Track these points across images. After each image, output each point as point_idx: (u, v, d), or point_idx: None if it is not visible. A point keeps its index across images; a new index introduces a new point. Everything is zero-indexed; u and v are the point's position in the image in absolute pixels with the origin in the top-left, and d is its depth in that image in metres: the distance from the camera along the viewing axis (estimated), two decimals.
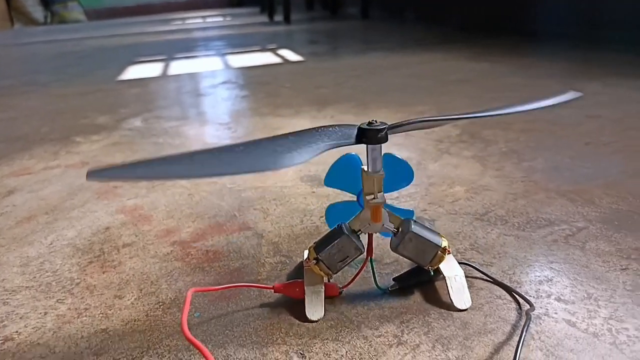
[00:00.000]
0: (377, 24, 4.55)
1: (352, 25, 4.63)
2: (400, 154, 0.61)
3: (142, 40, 4.69)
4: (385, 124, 0.54)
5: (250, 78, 2.24)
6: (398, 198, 0.85)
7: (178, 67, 2.72)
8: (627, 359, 0.47)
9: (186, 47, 3.79)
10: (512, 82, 1.72)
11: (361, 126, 0.54)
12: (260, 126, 1.38)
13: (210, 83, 2.15)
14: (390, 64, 2.30)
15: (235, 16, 7.61)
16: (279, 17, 5.96)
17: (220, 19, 7.36)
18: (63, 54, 3.86)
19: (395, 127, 0.53)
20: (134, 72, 2.63)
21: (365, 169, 0.57)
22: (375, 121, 0.54)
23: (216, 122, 1.46)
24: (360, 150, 0.55)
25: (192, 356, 0.51)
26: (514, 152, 1.04)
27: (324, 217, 0.65)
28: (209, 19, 7.70)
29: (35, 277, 0.68)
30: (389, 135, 0.53)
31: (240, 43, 3.75)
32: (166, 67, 2.73)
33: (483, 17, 3.32)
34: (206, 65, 2.69)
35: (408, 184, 0.62)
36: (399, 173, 0.61)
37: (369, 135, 0.53)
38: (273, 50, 3.13)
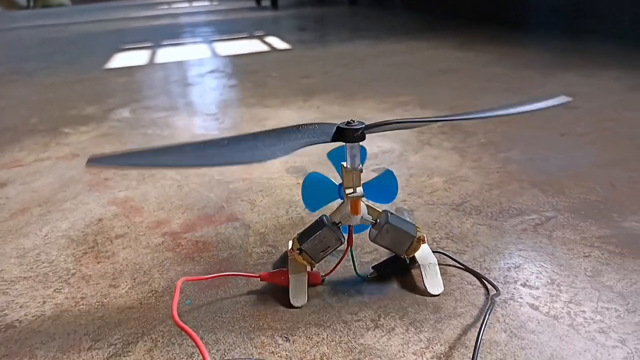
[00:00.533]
0: (364, 10, 4.56)
1: (340, 11, 4.63)
2: (383, 145, 0.64)
3: (128, 25, 4.66)
4: (363, 123, 0.58)
5: (237, 67, 2.25)
6: None
7: (165, 54, 2.72)
8: (582, 338, 0.52)
9: (173, 33, 3.78)
10: (495, 72, 1.76)
11: (340, 126, 0.58)
12: (247, 117, 1.41)
13: (198, 72, 2.17)
14: (377, 52, 2.33)
15: (222, 1, 7.55)
16: (266, 2, 5.93)
17: (206, 3, 7.30)
18: (48, 40, 3.83)
19: (373, 127, 0.56)
20: (120, 59, 2.63)
21: (345, 165, 0.60)
22: (354, 121, 0.58)
23: (204, 112, 1.49)
24: (323, 157, 0.59)
25: (184, 340, 0.55)
26: (492, 143, 1.08)
27: (301, 190, 0.67)
28: (195, 3, 7.62)
29: (32, 268, 0.72)
30: (366, 135, 0.57)
31: (228, 29, 3.75)
32: (153, 55, 2.73)
33: (470, 5, 3.34)
34: (193, 53, 2.69)
35: (387, 203, 0.67)
36: (387, 189, 0.66)
37: (347, 134, 0.57)
38: (260, 38, 3.14)
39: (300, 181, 0.94)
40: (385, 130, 0.57)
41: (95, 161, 0.48)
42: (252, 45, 2.85)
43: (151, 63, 2.48)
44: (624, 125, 1.15)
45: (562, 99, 0.68)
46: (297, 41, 2.89)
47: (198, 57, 2.57)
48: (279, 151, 0.53)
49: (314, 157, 1.04)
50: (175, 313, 0.49)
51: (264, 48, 2.73)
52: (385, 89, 1.62)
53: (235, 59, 2.44)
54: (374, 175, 0.67)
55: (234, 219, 0.82)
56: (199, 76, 2.07)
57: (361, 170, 0.59)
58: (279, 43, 2.87)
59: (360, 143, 0.58)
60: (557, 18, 2.66)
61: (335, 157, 0.65)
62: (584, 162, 0.95)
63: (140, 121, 1.43)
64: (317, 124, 0.58)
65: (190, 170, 1.03)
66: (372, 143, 1.10)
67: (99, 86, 1.98)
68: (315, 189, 0.66)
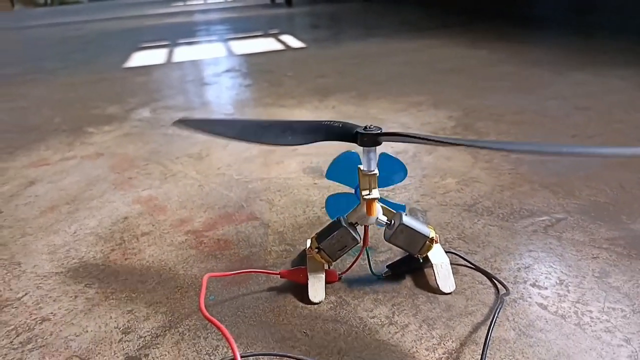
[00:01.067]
0: (377, 7, 4.57)
1: (353, 8, 4.64)
2: (397, 145, 0.67)
3: (144, 23, 4.72)
4: (380, 129, 0.61)
5: (253, 66, 2.29)
6: (394, 189, 0.92)
7: (181, 53, 2.77)
8: (588, 337, 0.54)
9: (188, 31, 3.83)
10: (505, 71, 1.77)
11: (358, 130, 0.61)
12: (264, 116, 1.44)
13: (214, 71, 2.20)
14: (389, 51, 2.35)
15: None
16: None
17: (221, 0, 7.34)
18: (66, 38, 3.90)
19: (388, 135, 0.59)
20: (138, 58, 2.68)
21: (362, 167, 0.63)
22: (371, 126, 0.60)
23: (221, 112, 1.52)
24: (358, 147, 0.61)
25: (209, 334, 0.58)
26: None
27: (324, 207, 0.73)
28: (209, 0, 7.67)
29: (63, 264, 0.76)
30: (382, 140, 0.60)
31: (242, 27, 3.78)
32: (170, 54, 2.78)
33: (480, 0, 3.34)
34: (209, 52, 2.73)
35: (402, 179, 0.69)
36: (393, 170, 0.68)
37: (364, 139, 0.59)
38: (275, 36, 3.17)
39: (317, 181, 0.98)
40: (399, 141, 0.59)
41: (180, 124, 0.67)
42: (267, 44, 2.88)
43: (168, 62, 2.52)
44: (633, 126, 1.16)
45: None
46: (312, 39, 2.92)
47: (214, 55, 2.61)
48: (303, 138, 0.62)
49: (330, 157, 1.06)
50: (202, 306, 0.52)
51: (279, 47, 2.76)
52: (398, 89, 1.65)
53: (251, 58, 2.47)
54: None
55: (253, 218, 0.85)
56: (215, 75, 2.11)
57: (377, 174, 0.62)
58: (293, 41, 2.90)
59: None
60: (568, 13, 2.65)
61: (333, 175, 0.69)
62: (594, 164, 0.97)
63: (160, 121, 1.47)
64: (341, 123, 0.62)
65: (211, 170, 1.07)
66: (386, 144, 1.12)
67: (119, 85, 2.02)
68: (337, 206, 0.70)
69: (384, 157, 0.69)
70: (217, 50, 2.77)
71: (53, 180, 1.08)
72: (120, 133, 1.37)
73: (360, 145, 0.60)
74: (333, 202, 0.73)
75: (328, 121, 0.63)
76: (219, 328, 0.47)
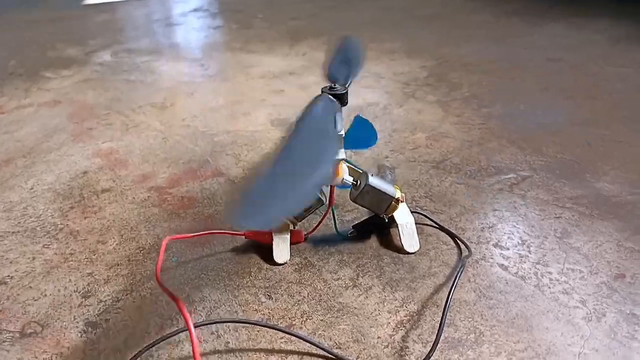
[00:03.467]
0: None
1: None
2: (368, 97, 0.65)
3: None
4: (346, 88, 0.58)
5: (222, 5, 2.18)
6: None
7: None
8: (546, 299, 0.56)
9: None
10: (481, 20, 1.73)
11: (323, 90, 0.58)
12: (233, 63, 1.39)
13: (181, 10, 2.10)
14: None
15: None
16: None
17: None
18: None
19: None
20: None
21: None
22: (335, 85, 0.58)
23: (188, 57, 1.46)
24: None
25: None
26: (475, 97, 1.09)
27: None
28: None
29: (20, 223, 0.73)
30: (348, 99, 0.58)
31: None
32: None
33: None
34: None
35: (372, 146, 0.67)
36: (365, 135, 0.67)
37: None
38: None
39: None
40: None
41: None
42: None
43: None
44: (604, 79, 1.15)
45: None
46: None
47: None
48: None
49: (299, 109, 1.04)
50: (158, 275, 0.50)
51: None
52: (373, 35, 1.60)
53: None
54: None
55: (219, 173, 0.83)
56: (182, 15, 2.01)
57: (342, 135, 0.60)
58: None
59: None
60: None
61: None
62: (563, 119, 0.97)
63: (123, 65, 1.40)
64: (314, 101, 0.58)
65: (175, 121, 1.03)
66: (359, 95, 1.10)
67: (79, 25, 1.91)
68: None
69: (358, 120, 0.66)
70: None
71: (9, 130, 1.03)
72: (79, 78, 1.30)
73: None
74: None
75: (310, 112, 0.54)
76: (174, 300, 0.45)
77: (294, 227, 0.66)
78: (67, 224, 0.72)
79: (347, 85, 0.60)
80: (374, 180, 0.63)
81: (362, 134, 0.67)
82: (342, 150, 0.62)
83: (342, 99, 0.59)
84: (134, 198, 0.77)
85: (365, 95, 1.11)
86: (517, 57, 1.32)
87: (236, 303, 0.57)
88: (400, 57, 1.37)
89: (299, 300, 0.57)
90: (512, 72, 1.21)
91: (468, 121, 0.98)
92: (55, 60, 1.47)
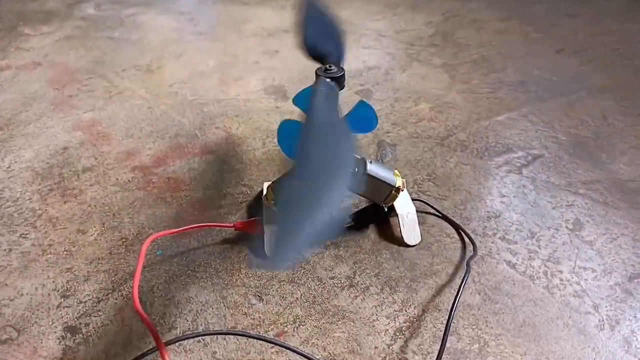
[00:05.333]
0: None
1: None
2: (368, 60, 0.59)
3: None
4: (343, 70, 0.52)
5: None
6: None
7: None
8: (556, 303, 0.52)
9: None
10: None
11: (318, 72, 0.52)
12: (224, 18, 1.30)
13: None
14: None
15: None
16: None
17: None
18: None
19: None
20: None
21: None
22: (331, 67, 0.52)
23: (176, 10, 1.36)
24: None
25: (155, 299, 0.54)
26: (485, 60, 1.02)
27: (277, 136, 0.64)
28: None
29: None
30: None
31: None
32: None
33: None
34: None
35: (370, 131, 0.62)
36: (365, 119, 0.61)
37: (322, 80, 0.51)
38: None
39: (279, 104, 0.89)
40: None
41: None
42: None
43: None
44: (623, 40, 1.08)
45: None
46: None
47: None
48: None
49: (294, 73, 0.97)
50: (136, 299, 0.45)
51: None
52: None
53: None
54: (357, 98, 0.60)
55: (207, 151, 0.78)
56: None
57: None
58: None
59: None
60: None
61: (302, 101, 0.61)
62: (578, 87, 0.91)
63: (107, 20, 1.31)
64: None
65: (162, 87, 0.96)
66: (358, 57, 1.03)
67: None
68: (289, 136, 0.61)
69: (362, 105, 0.61)
70: None
71: None
72: (60, 35, 1.22)
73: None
74: (288, 131, 0.63)
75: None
76: (149, 327, 0.41)
77: None
78: (46, 210, 0.68)
79: (341, 65, 0.54)
80: (372, 168, 0.58)
81: (362, 118, 0.61)
82: None
83: (340, 82, 0.53)
84: (117, 179, 0.72)
85: (365, 57, 1.03)
86: (531, 12, 1.23)
87: (224, 305, 0.53)
88: (404, 11, 1.28)
89: (291, 303, 0.53)
90: (525, 30, 1.13)
91: (476, 89, 0.92)
92: (34, 14, 1.37)
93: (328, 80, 0.51)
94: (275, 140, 0.79)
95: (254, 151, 0.77)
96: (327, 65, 0.52)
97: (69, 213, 0.67)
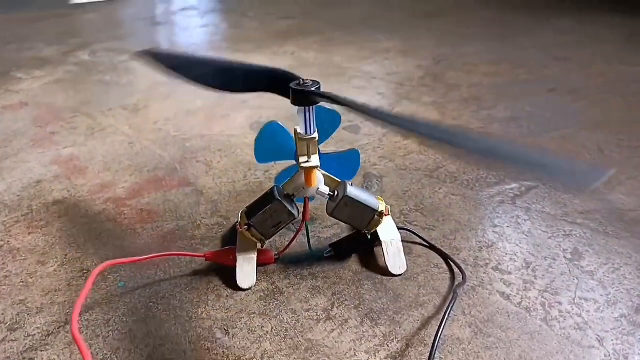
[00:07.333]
0: None
1: None
2: (359, 98, 0.56)
3: None
4: (318, 83, 0.49)
5: (212, 4, 2.10)
6: None
7: None
8: (555, 336, 0.46)
9: None
10: (484, 16, 1.64)
11: (292, 87, 0.49)
12: None
13: (169, 9, 2.02)
14: None
15: None
16: None
17: None
18: None
19: (324, 98, 0.48)
20: None
21: (298, 130, 0.52)
22: (306, 81, 0.49)
23: None
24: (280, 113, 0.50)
25: (110, 332, 0.49)
26: (475, 99, 1.00)
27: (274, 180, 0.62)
28: None
29: None
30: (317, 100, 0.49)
31: None
32: None
33: None
34: None
35: (337, 127, 0.58)
36: (346, 167, 0.59)
37: (300, 97, 0.48)
38: None
39: None
40: (333, 103, 0.48)
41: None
42: None
43: None
44: (616, 80, 1.06)
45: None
46: None
47: None
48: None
49: (282, 112, 0.95)
50: (75, 323, 0.40)
51: None
52: (368, 34, 1.51)
53: None
54: (345, 134, 0.58)
55: (186, 183, 0.75)
56: (170, 14, 1.93)
57: (316, 138, 0.51)
58: None
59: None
60: None
61: (262, 157, 0.58)
62: (572, 123, 0.88)
63: (100, 66, 1.31)
64: (278, 70, 0.51)
65: (146, 124, 0.94)
66: (348, 94, 1.01)
67: (62, 24, 1.83)
68: (271, 140, 0.57)
69: (354, 154, 0.58)
70: None
71: None
72: (51, 79, 1.22)
73: (293, 103, 0.49)
74: (270, 136, 0.58)
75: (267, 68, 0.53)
76: (82, 352, 0.36)
77: (262, 246, 0.57)
78: (9, 241, 0.63)
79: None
80: (353, 191, 0.54)
81: (345, 164, 0.59)
82: (317, 156, 0.53)
83: (310, 98, 0.50)
84: (87, 211, 0.69)
85: (354, 96, 1.02)
86: (522, 56, 1.23)
87: (185, 340, 0.48)
88: (395, 56, 1.28)
89: (260, 337, 0.48)
90: (515, 72, 1.12)
91: (467, 125, 0.89)
92: (30, 61, 1.38)
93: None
94: (257, 173, 0.76)
95: (234, 183, 0.74)
96: (302, 79, 0.50)
97: (31, 244, 0.62)
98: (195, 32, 1.65)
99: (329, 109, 0.56)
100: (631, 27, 1.43)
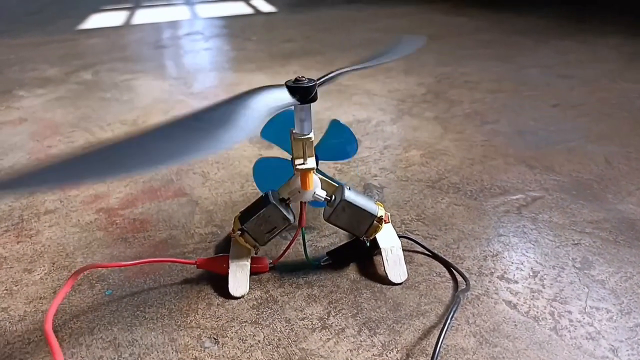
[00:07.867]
0: None
1: None
2: (359, 114, 0.55)
3: None
4: (314, 80, 0.48)
5: (217, 29, 2.12)
6: (350, 163, 0.80)
7: (143, 16, 2.57)
8: (566, 346, 0.43)
9: None
10: (485, 39, 1.64)
11: (287, 84, 0.48)
12: (217, 82, 1.30)
13: (174, 34, 2.04)
14: (365, 17, 2.20)
15: None
16: None
17: None
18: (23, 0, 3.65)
19: (322, 81, 0.47)
20: (96, 20, 2.48)
21: (293, 130, 0.51)
22: (303, 77, 0.48)
23: (171, 76, 1.37)
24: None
25: (93, 341, 0.46)
26: (478, 113, 0.99)
27: (252, 174, 0.61)
28: None
29: None
30: (317, 94, 0.48)
31: None
32: (130, 16, 2.58)
33: None
34: (173, 15, 2.55)
35: (350, 157, 0.58)
36: (343, 143, 0.57)
37: (296, 93, 0.47)
38: (245, 0, 2.98)
39: (263, 152, 0.85)
40: (334, 81, 0.47)
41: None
42: (236, 8, 2.70)
43: (127, 24, 2.34)
44: (620, 96, 1.05)
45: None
46: (284, 3, 2.75)
47: (177, 18, 2.43)
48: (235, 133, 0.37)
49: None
50: (49, 321, 0.38)
51: (248, 11, 2.59)
52: (368, 54, 1.51)
53: (217, 22, 2.30)
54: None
55: (181, 193, 0.73)
56: (174, 38, 1.95)
57: (312, 138, 0.50)
58: (264, 5, 2.72)
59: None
60: None
61: (270, 133, 0.57)
62: (577, 136, 0.86)
63: (102, 84, 1.31)
64: (267, 86, 0.48)
65: None
66: (347, 112, 1.00)
67: (67, 48, 1.85)
68: (269, 174, 0.58)
69: (335, 125, 0.57)
70: (182, 14, 2.59)
71: None
72: (52, 97, 1.22)
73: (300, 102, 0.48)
74: (263, 169, 0.61)
75: (248, 91, 0.43)
76: (52, 350, 0.34)
77: (256, 253, 0.54)
78: None
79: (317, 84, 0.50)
80: (351, 195, 0.52)
81: (339, 142, 0.57)
82: (313, 158, 0.51)
83: (307, 94, 0.48)
84: (78, 221, 0.67)
85: (355, 112, 1.01)
86: (524, 74, 1.22)
87: (172, 348, 0.45)
88: (396, 75, 1.27)
89: (251, 346, 0.45)
90: (518, 89, 1.11)
91: (469, 138, 0.87)
92: (32, 80, 1.39)
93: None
94: (255, 184, 0.74)
95: (230, 194, 0.72)
96: (299, 76, 0.48)
97: (19, 253, 0.60)
98: (197, 54, 1.66)
99: (351, 134, 0.56)
100: (633, 47, 1.43)
